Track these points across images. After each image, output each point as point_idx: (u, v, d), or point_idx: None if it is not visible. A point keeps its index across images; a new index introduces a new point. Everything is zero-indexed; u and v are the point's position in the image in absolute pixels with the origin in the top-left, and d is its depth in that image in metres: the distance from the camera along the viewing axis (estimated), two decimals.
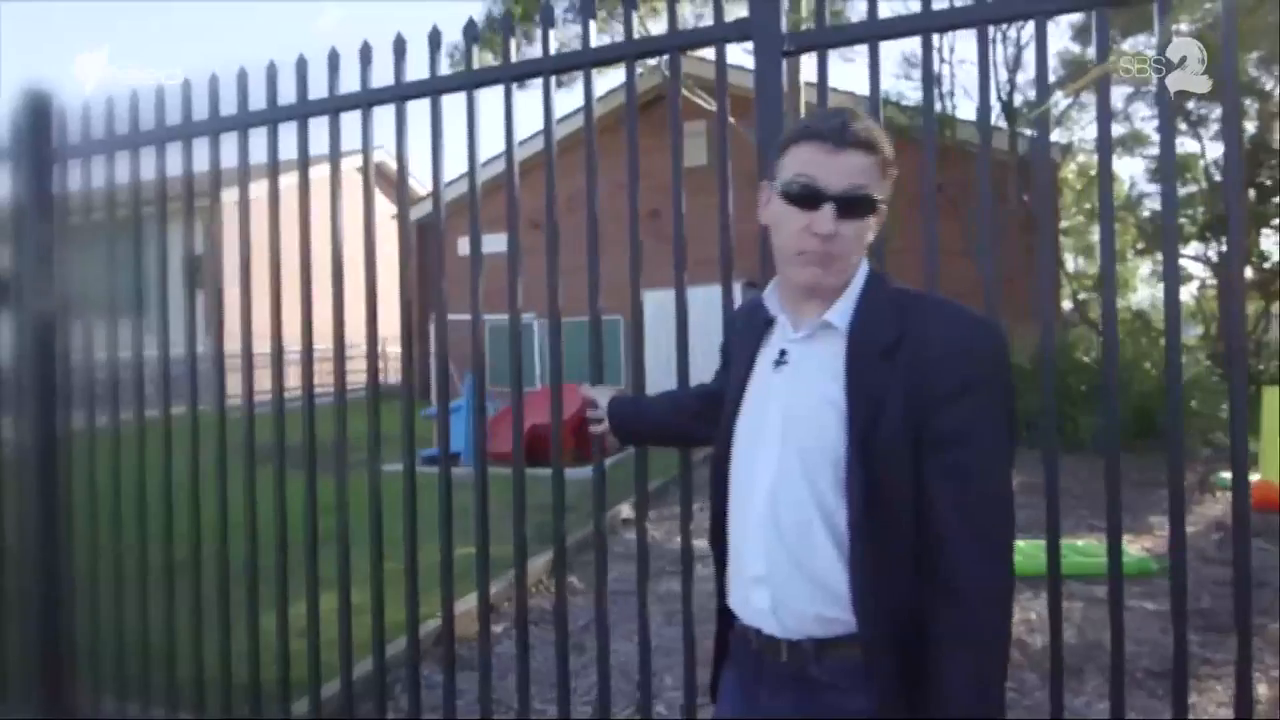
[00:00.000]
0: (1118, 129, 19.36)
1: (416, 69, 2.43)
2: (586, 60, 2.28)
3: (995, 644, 1.18)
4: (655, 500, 6.71)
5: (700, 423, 1.77)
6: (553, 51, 2.31)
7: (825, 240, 1.22)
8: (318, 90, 2.57)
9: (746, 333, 1.44)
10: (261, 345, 2.68)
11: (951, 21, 2.03)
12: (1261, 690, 3.31)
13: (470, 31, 2.39)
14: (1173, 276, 1.86)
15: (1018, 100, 13.64)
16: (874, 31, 2.03)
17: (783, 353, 1.32)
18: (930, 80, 2.03)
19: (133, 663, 2.85)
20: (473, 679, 3.20)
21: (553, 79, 2.31)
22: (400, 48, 2.44)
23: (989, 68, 2.01)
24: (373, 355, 2.51)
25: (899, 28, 2.06)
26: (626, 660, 3.49)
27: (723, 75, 2.18)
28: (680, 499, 2.21)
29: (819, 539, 1.22)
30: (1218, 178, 15.11)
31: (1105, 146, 1.91)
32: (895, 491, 1.17)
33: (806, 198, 1.23)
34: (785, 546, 1.24)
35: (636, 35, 2.22)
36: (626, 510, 6.40)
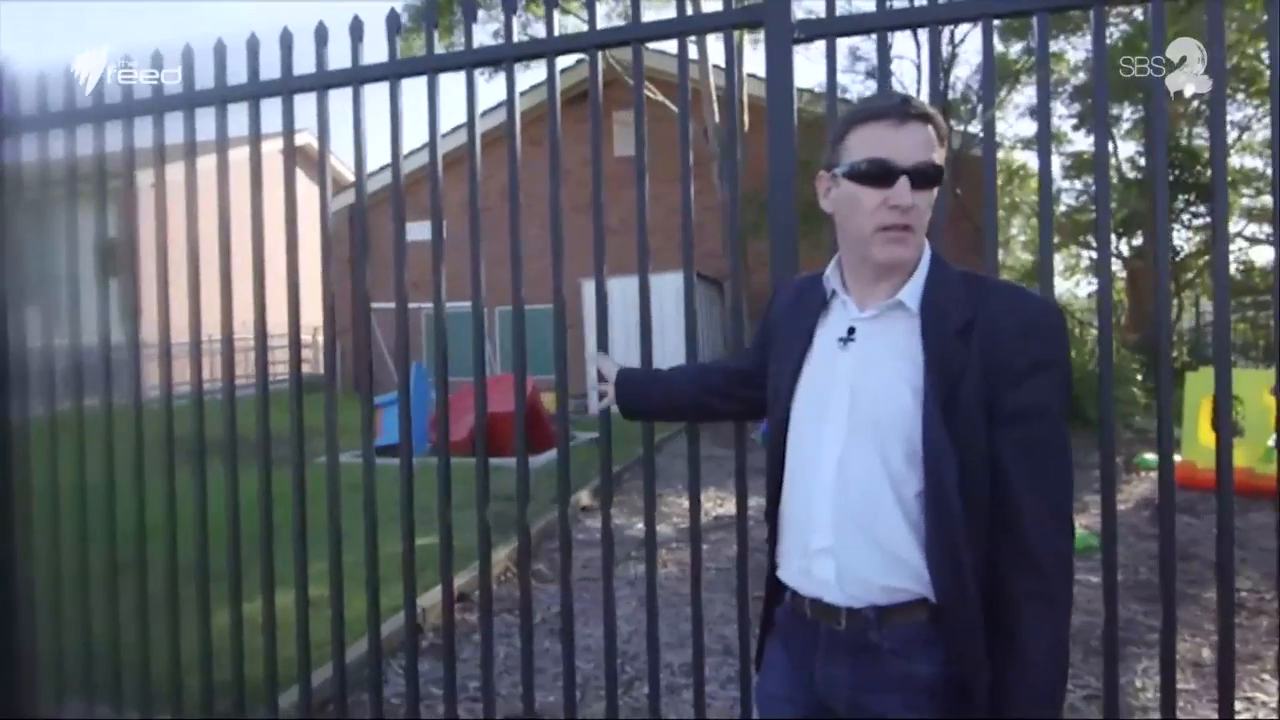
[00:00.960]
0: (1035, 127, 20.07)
1: (377, 50, 2.40)
2: (591, 43, 2.26)
3: (1067, 607, 1.25)
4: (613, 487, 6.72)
5: (722, 399, 1.79)
6: (557, 33, 2.29)
7: (904, 213, 1.26)
8: (269, 71, 2.50)
9: (797, 311, 1.46)
10: (204, 333, 2.60)
11: (957, 14, 2.08)
12: (1205, 654, 3.52)
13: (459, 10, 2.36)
14: (1105, 270, 1.95)
15: (951, 96, 14.02)
16: (883, 22, 2.07)
17: (850, 330, 1.35)
18: (937, 70, 2.09)
19: (86, 662, 2.71)
20: (464, 666, 3.16)
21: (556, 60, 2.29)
22: (394, 24, 2.38)
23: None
24: (331, 346, 2.45)
25: (907, 18, 2.10)
26: (599, 645, 3.50)
27: (731, 65, 2.19)
28: (689, 486, 2.23)
29: (888, 509, 1.26)
30: (1131, 174, 15.84)
31: (1045, 150, 1.99)
32: (973, 463, 1.22)
33: (879, 174, 1.26)
34: (854, 517, 1.28)
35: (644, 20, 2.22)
36: (586, 498, 6.39)
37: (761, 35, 2.12)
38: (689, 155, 2.19)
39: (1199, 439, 6.81)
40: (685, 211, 2.18)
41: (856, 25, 2.14)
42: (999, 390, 1.23)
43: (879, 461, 1.26)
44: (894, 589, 1.27)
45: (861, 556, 1.28)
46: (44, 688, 2.80)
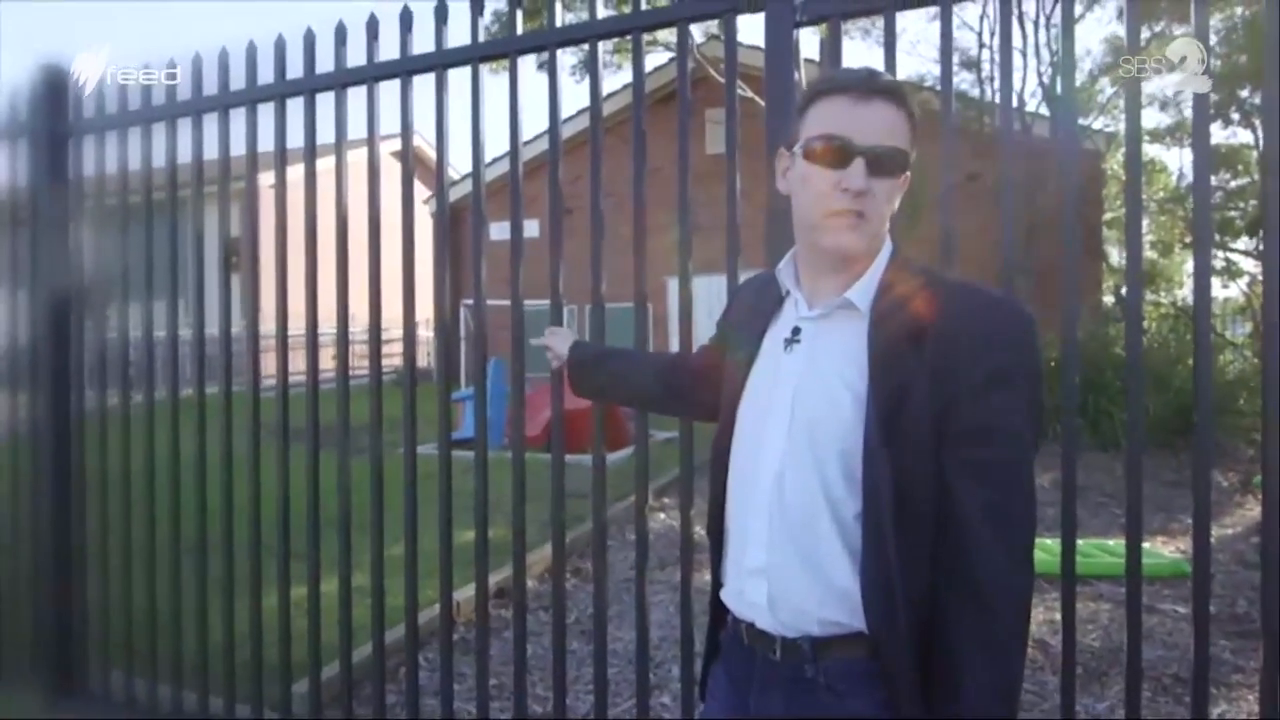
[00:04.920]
0: (1165, 119, 18.65)
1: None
2: (594, 33, 2.21)
3: (1016, 648, 1.10)
4: (674, 489, 6.59)
5: (688, 405, 1.72)
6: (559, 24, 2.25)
7: (857, 197, 1.14)
8: (325, 65, 2.51)
9: (754, 309, 1.36)
10: (294, 327, 2.64)
11: None
12: None
13: None
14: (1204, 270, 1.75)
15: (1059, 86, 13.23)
16: (891, 0, 1.94)
17: (795, 330, 1.24)
18: (949, 52, 1.94)
19: (145, 639, 2.86)
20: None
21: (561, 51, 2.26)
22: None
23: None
24: (410, 338, 2.48)
25: None
26: (624, 650, 3.46)
27: (732, 49, 2.11)
28: (680, 486, 2.16)
29: (826, 531, 1.14)
30: None
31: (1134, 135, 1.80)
32: (915, 484, 1.09)
33: (834, 154, 1.14)
34: (790, 536, 1.17)
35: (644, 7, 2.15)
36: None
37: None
38: (686, 149, 2.12)
39: None
40: (683, 213, 2.11)
41: (863, 6, 2.02)
42: (952, 405, 1.09)
43: (816, 476, 1.15)
44: (829, 621, 1.15)
45: (796, 581, 1.17)
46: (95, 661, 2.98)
